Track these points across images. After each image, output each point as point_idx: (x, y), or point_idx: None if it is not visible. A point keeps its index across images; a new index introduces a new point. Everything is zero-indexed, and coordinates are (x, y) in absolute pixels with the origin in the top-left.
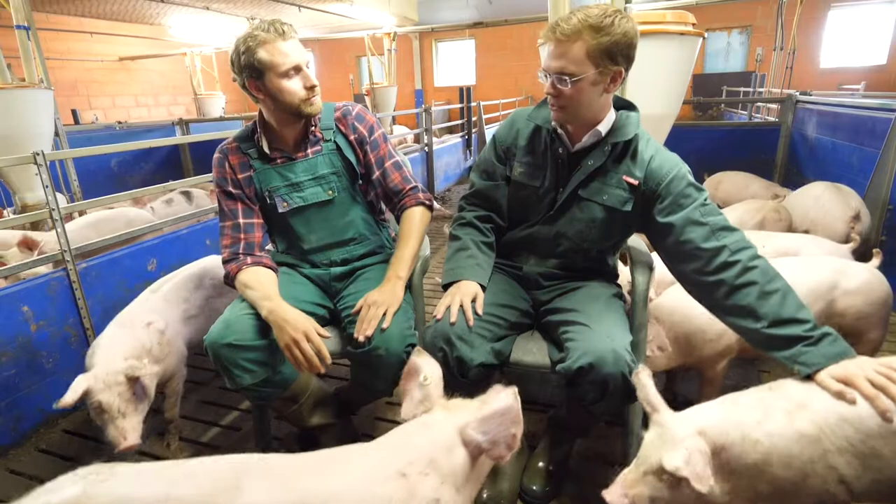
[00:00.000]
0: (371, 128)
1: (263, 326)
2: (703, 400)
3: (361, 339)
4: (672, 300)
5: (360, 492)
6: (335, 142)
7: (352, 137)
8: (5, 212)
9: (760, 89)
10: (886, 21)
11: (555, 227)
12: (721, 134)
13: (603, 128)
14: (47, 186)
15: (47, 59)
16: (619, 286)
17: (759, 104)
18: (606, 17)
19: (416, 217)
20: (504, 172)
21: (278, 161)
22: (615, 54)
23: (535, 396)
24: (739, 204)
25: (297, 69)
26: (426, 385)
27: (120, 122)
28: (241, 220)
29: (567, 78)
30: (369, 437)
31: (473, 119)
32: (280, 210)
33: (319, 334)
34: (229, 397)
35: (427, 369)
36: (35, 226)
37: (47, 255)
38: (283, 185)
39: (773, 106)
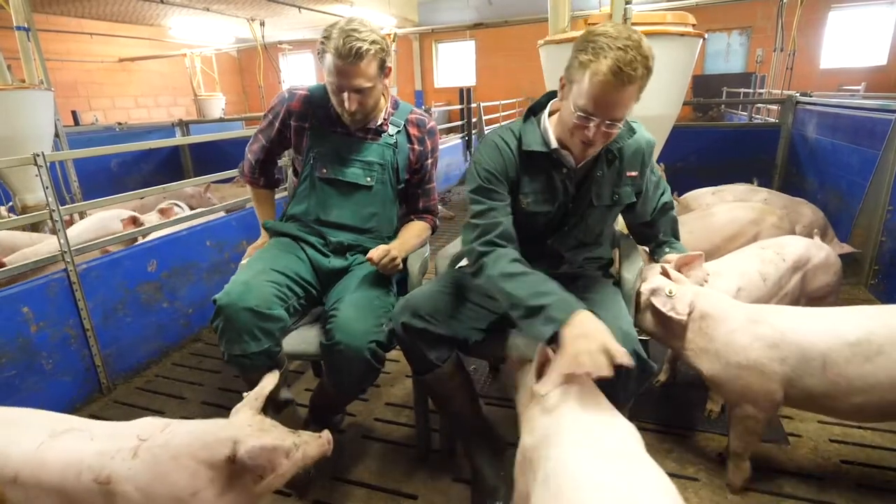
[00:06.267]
0: (435, 147)
1: (279, 295)
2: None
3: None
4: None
5: None
6: (396, 140)
7: (416, 147)
8: (2, 209)
9: (760, 90)
10: (886, 22)
11: (568, 237)
12: (721, 135)
13: None
14: (47, 187)
15: (47, 61)
16: (612, 275)
17: (759, 105)
18: (650, 59)
19: (428, 229)
20: (509, 203)
21: (338, 131)
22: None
23: None
24: (738, 207)
25: (342, 90)
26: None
27: (120, 124)
28: (260, 156)
29: (619, 122)
30: (372, 439)
31: (474, 120)
32: (317, 174)
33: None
34: (229, 398)
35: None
36: (35, 227)
37: (47, 256)
38: (330, 154)
39: (774, 107)
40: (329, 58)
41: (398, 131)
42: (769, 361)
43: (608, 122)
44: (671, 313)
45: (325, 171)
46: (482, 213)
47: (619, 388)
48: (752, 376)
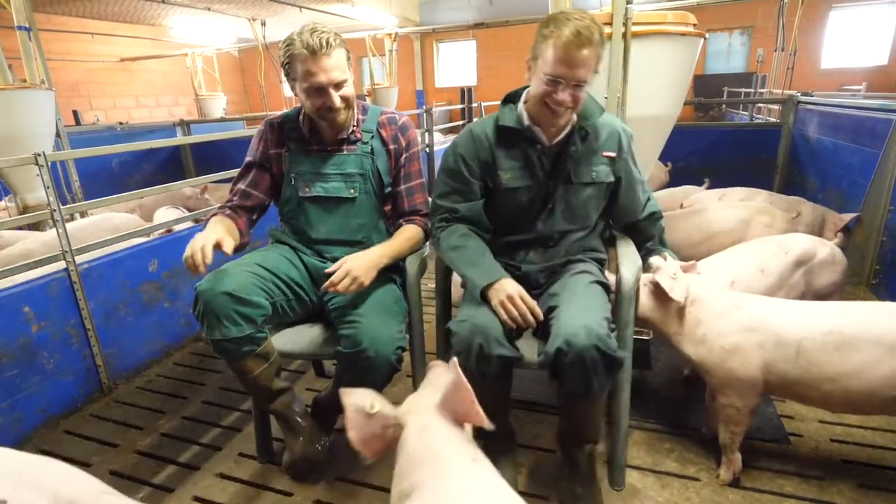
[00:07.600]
0: (410, 142)
1: (260, 286)
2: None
3: (332, 289)
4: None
5: None
6: (371, 146)
7: (391, 147)
8: (3, 202)
9: (761, 90)
10: (887, 21)
11: (554, 218)
12: (722, 135)
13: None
14: (48, 187)
15: (48, 60)
16: (605, 277)
17: (760, 105)
18: (603, 32)
19: (419, 232)
20: (480, 187)
21: (314, 149)
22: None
23: (536, 397)
24: (728, 206)
25: (321, 89)
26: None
27: (121, 123)
28: (243, 186)
29: (584, 84)
30: None
31: (475, 120)
32: (301, 194)
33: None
34: (230, 398)
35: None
36: (36, 226)
37: (48, 255)
38: (310, 172)
39: (775, 107)
40: (300, 61)
41: (372, 136)
42: (749, 346)
43: (574, 83)
44: (671, 293)
45: (307, 189)
46: (445, 195)
47: (591, 377)
48: (736, 361)
